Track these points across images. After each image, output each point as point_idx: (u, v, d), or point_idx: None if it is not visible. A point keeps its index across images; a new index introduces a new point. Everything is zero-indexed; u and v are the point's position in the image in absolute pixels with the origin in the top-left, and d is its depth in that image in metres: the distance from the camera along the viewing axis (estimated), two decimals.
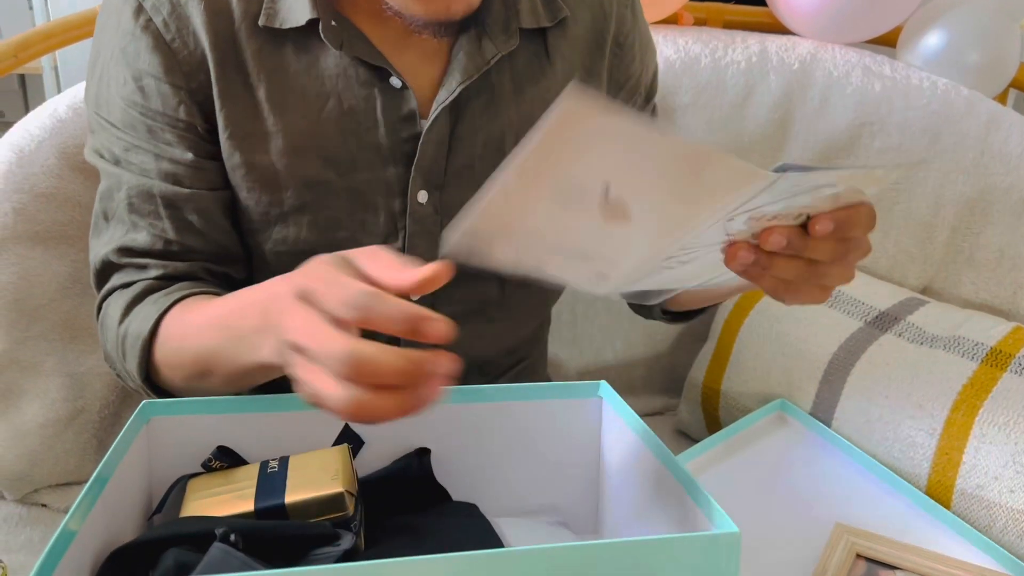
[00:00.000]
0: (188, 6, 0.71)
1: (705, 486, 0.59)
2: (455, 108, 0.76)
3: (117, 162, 0.75)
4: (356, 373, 0.44)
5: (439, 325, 0.45)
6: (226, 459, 0.66)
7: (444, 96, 0.74)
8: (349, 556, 0.56)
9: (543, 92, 0.79)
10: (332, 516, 0.61)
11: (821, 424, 1.02)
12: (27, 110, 1.94)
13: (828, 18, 1.17)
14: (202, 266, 0.76)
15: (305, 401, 0.47)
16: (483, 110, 0.77)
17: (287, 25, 0.71)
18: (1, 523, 0.89)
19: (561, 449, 0.73)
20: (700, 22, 1.30)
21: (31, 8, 1.72)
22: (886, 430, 0.98)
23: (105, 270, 0.76)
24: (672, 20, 1.26)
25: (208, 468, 0.66)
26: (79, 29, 1.14)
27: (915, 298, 1.10)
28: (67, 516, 0.54)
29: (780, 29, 1.24)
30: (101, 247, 0.76)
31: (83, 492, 0.57)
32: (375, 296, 0.46)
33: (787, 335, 1.08)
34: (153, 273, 0.74)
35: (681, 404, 1.14)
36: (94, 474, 0.59)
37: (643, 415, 1.23)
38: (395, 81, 0.73)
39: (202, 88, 0.72)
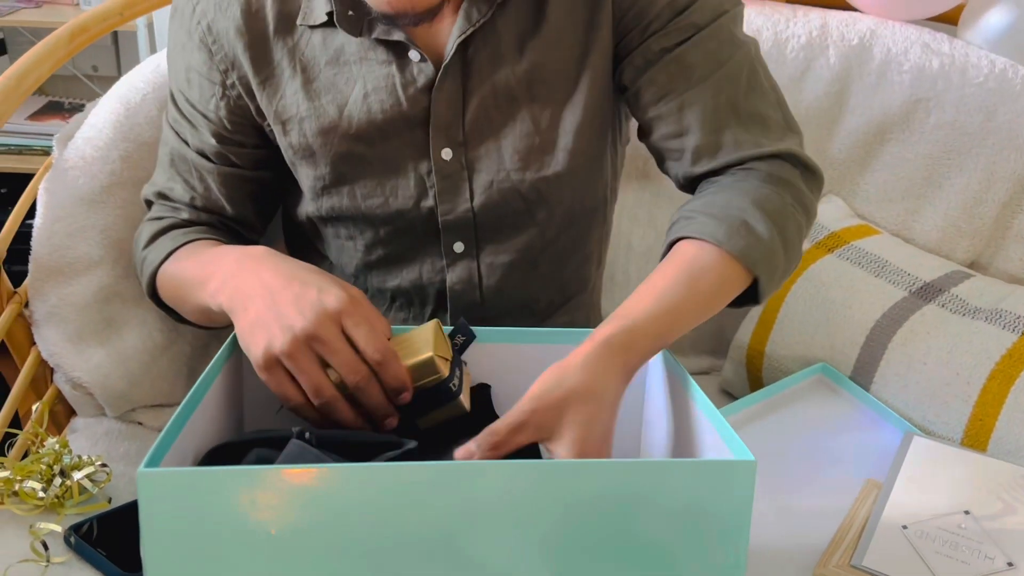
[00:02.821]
0: (227, 13, 0.83)
1: (743, 441, 0.64)
2: (464, 65, 0.82)
3: (169, 125, 0.91)
4: (324, 411, 0.70)
5: (392, 421, 0.71)
6: None
7: (447, 55, 0.81)
8: (411, 458, 0.63)
9: (541, 41, 0.82)
10: (429, 380, 0.70)
11: (860, 388, 1.06)
12: (119, 65, 2.06)
13: None
14: (220, 220, 0.92)
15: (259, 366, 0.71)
16: (489, 62, 0.82)
17: (317, 22, 0.81)
18: (103, 436, 0.99)
19: None
20: None
21: None
22: (923, 395, 1.02)
23: (148, 203, 0.95)
24: None
25: None
26: None
27: (961, 271, 1.13)
28: (170, 419, 0.63)
29: (842, 4, 1.27)
30: (151, 185, 0.95)
31: (183, 402, 0.66)
32: (370, 381, 0.69)
33: (832, 301, 1.12)
34: (183, 216, 0.91)
35: (726, 364, 1.19)
36: (192, 389, 0.68)
37: (690, 374, 1.28)
38: (414, 54, 0.81)
39: (235, 86, 0.85)
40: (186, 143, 0.90)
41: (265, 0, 0.83)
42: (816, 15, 1.21)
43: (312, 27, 0.83)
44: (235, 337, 0.75)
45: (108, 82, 2.08)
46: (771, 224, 0.77)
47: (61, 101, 1.97)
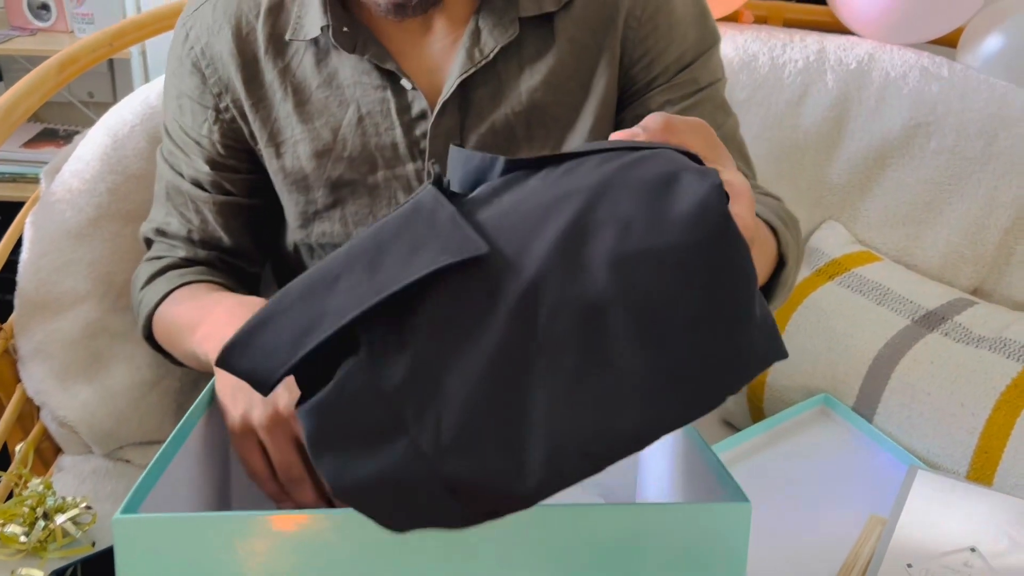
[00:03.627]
0: (219, 36, 0.82)
1: (743, 474, 0.63)
2: (463, 101, 0.81)
3: (164, 159, 0.89)
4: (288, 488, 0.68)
5: None
6: None
7: (446, 92, 0.79)
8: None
9: (546, 75, 0.81)
10: None
11: (863, 419, 1.04)
12: (115, 91, 2.05)
13: (889, 19, 1.18)
14: (218, 256, 0.90)
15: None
16: (490, 99, 0.81)
17: (309, 36, 0.80)
18: (90, 475, 0.97)
19: None
20: (761, 20, 1.32)
21: None
22: (927, 427, 1.00)
23: (147, 241, 0.93)
24: (733, 18, 1.28)
25: None
26: (167, 20, 1.22)
27: (964, 298, 1.11)
28: (151, 462, 0.61)
29: (841, 28, 1.26)
30: (148, 223, 0.93)
31: (166, 443, 0.64)
32: (301, 482, 0.67)
33: (834, 330, 1.10)
34: (179, 254, 0.89)
35: None
36: (176, 428, 0.66)
37: None
38: (405, 83, 0.80)
39: (229, 109, 0.84)
40: (180, 175, 0.89)
41: (255, 22, 0.82)
42: (813, 39, 1.19)
43: (305, 46, 0.81)
44: (210, 387, 0.73)
45: (104, 108, 2.07)
46: (793, 228, 0.77)
47: (56, 128, 1.97)
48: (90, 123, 2.04)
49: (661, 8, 0.82)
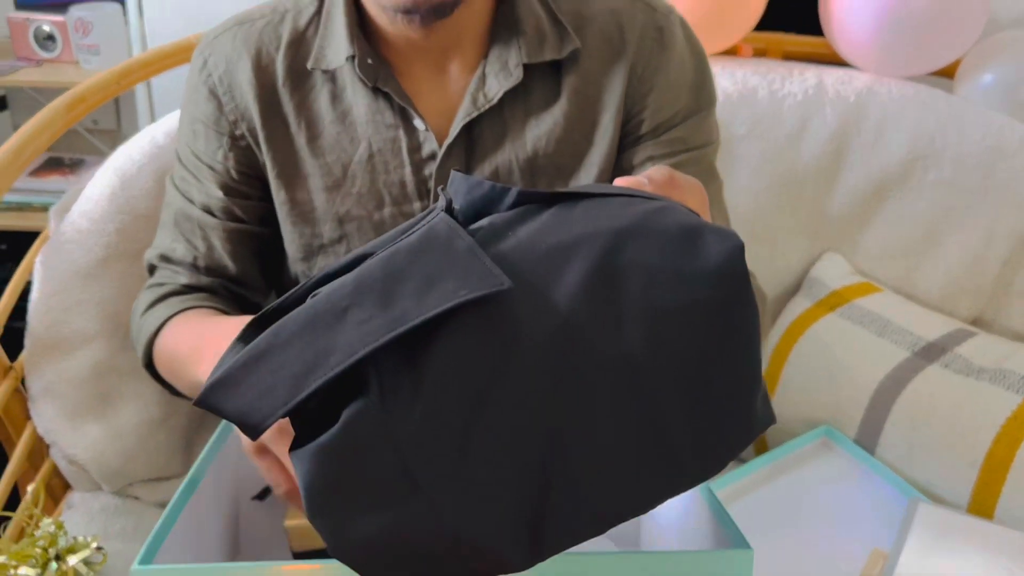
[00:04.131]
0: (239, 64, 0.83)
1: (746, 508, 0.63)
2: (468, 144, 0.82)
3: (175, 186, 0.89)
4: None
5: None
6: None
7: (451, 134, 0.81)
8: None
9: (551, 126, 0.82)
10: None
11: (864, 451, 1.05)
12: (119, 119, 2.07)
13: (887, 52, 1.19)
14: (222, 284, 0.89)
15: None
16: (495, 143, 0.82)
17: (332, 66, 0.81)
18: (99, 512, 0.98)
19: None
20: (759, 52, 1.33)
21: (127, 23, 1.83)
22: (928, 459, 1.01)
23: (151, 268, 0.92)
24: (732, 51, 1.29)
25: None
26: (173, 58, 1.23)
27: (964, 329, 1.12)
28: (164, 514, 0.62)
29: (839, 60, 1.27)
30: (153, 248, 0.92)
31: (179, 491, 0.65)
32: (292, 495, 0.61)
33: (835, 362, 1.11)
34: (182, 280, 0.88)
35: None
36: (189, 474, 0.67)
37: None
38: (418, 123, 0.81)
39: (244, 137, 0.85)
40: (191, 201, 0.89)
41: (275, 54, 0.83)
42: (812, 73, 1.21)
43: (322, 81, 0.82)
44: (222, 429, 0.74)
45: (108, 136, 2.11)
46: (762, 304, 0.77)
47: (61, 157, 1.98)
48: (95, 151, 2.07)
49: (662, 68, 0.83)
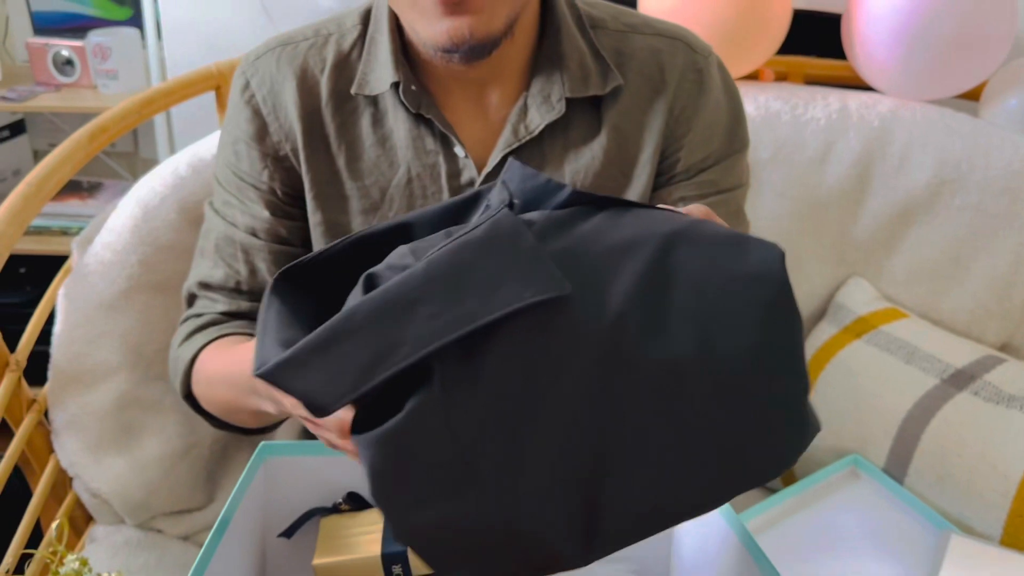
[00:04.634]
0: (283, 84, 0.82)
1: (776, 540, 0.63)
2: None
3: (216, 211, 0.87)
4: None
5: None
6: (352, 503, 0.75)
7: (490, 164, 0.80)
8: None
9: (587, 161, 0.82)
10: None
11: (894, 481, 1.03)
12: (136, 143, 2.08)
13: (910, 76, 1.19)
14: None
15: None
16: None
17: (375, 92, 0.80)
18: (123, 546, 0.97)
19: None
20: (781, 76, 1.32)
21: (144, 48, 1.83)
22: (958, 490, 0.99)
23: (190, 299, 0.89)
24: (754, 76, 1.29)
25: (336, 510, 0.74)
26: (194, 87, 1.24)
27: (992, 355, 1.10)
28: (199, 556, 0.62)
29: (861, 83, 1.26)
30: (191, 279, 0.89)
31: (211, 534, 0.64)
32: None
33: (862, 390, 1.09)
34: (220, 308, 0.86)
35: None
36: (220, 515, 0.66)
37: None
38: (458, 150, 0.81)
39: (288, 157, 0.83)
40: (234, 225, 0.86)
41: (320, 76, 0.82)
42: (835, 97, 1.20)
43: (364, 105, 0.82)
44: (264, 446, 0.74)
45: (125, 158, 2.12)
46: None
47: (80, 180, 1.99)
48: (112, 174, 2.08)
49: (700, 110, 0.83)
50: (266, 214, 0.85)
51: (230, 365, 0.79)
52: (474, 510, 0.47)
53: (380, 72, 0.80)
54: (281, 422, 0.88)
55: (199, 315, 0.88)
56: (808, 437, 0.51)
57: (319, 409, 0.47)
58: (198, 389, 0.85)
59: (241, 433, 0.90)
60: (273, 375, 0.48)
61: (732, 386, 0.48)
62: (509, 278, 0.47)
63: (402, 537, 0.47)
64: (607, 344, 0.47)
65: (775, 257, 0.50)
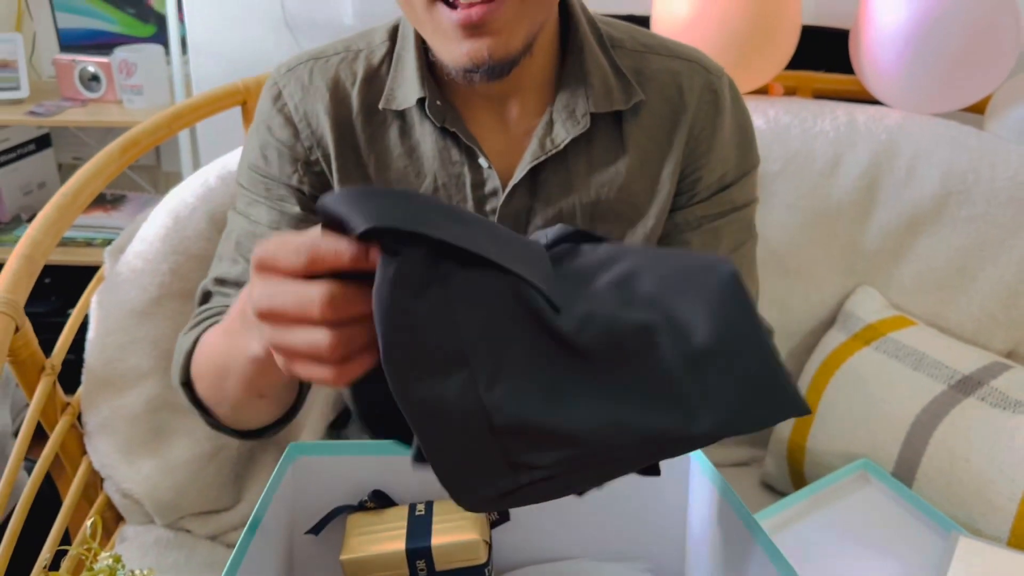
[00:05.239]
0: (316, 95, 0.86)
1: (787, 542, 0.64)
2: (532, 185, 0.85)
3: (239, 212, 0.89)
4: (328, 306, 0.49)
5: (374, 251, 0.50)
6: (377, 500, 0.77)
7: (517, 176, 0.84)
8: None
9: (611, 176, 0.85)
10: (467, 561, 0.71)
11: (903, 485, 1.05)
12: (159, 156, 2.12)
13: (916, 90, 1.21)
14: None
15: (285, 370, 0.53)
16: (558, 188, 0.85)
17: (403, 106, 0.84)
18: (152, 545, 1.00)
19: (650, 500, 0.79)
20: (790, 90, 1.35)
21: (169, 64, 1.88)
22: (966, 493, 1.02)
23: (204, 297, 0.88)
24: (763, 90, 1.32)
25: (362, 507, 0.77)
26: (221, 102, 1.28)
27: (999, 362, 1.13)
28: (233, 554, 0.64)
29: (869, 97, 1.29)
30: (208, 278, 0.89)
31: (243, 533, 0.67)
32: (317, 236, 0.51)
33: (871, 396, 1.12)
34: (231, 302, 0.82)
35: (767, 458, 1.19)
36: (252, 514, 0.69)
37: (729, 465, 1.28)
38: (483, 161, 0.84)
39: (319, 162, 0.86)
40: (258, 223, 0.87)
41: (351, 89, 0.86)
42: (843, 111, 1.23)
43: (392, 117, 0.85)
44: (292, 446, 0.77)
45: (147, 171, 2.16)
46: None
47: (103, 193, 2.03)
48: (135, 186, 2.12)
49: (717, 130, 0.86)
50: (296, 210, 0.86)
51: (226, 320, 0.70)
52: (461, 392, 0.50)
53: (407, 88, 0.84)
54: (274, 425, 0.83)
55: (208, 308, 0.87)
56: (780, 411, 0.53)
57: (346, 229, 0.49)
58: (196, 368, 0.80)
59: (237, 436, 0.85)
60: (344, 194, 0.51)
61: (695, 351, 0.52)
62: (533, 264, 0.54)
63: (401, 406, 0.49)
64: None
65: (732, 266, 0.55)
